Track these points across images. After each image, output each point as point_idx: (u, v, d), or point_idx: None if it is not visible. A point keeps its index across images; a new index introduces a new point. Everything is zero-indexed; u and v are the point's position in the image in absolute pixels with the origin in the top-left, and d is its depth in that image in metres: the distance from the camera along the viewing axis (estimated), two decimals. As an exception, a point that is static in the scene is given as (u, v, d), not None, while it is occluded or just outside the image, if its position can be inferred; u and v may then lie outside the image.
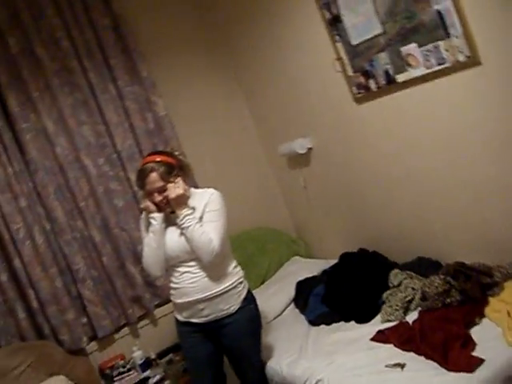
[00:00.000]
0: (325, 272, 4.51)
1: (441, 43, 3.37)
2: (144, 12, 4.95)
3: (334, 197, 4.75)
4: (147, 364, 4.48)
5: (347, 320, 3.89)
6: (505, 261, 3.54)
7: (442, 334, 3.15)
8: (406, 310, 3.64)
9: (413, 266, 3.99)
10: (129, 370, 4.40)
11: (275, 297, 4.50)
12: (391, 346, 3.32)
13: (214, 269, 3.44)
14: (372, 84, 3.94)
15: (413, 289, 3.71)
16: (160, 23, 5.03)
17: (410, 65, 3.61)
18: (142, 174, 3.38)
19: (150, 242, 3.51)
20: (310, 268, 4.73)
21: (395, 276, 3.92)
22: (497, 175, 3.46)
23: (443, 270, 3.66)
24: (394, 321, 3.58)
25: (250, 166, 5.33)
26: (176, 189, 3.35)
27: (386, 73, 3.78)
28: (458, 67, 3.36)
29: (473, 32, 3.19)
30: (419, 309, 3.57)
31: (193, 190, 3.56)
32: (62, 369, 4.25)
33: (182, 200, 3.38)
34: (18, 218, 4.31)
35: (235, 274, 3.56)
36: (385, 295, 3.83)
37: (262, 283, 4.91)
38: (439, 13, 3.29)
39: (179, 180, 3.40)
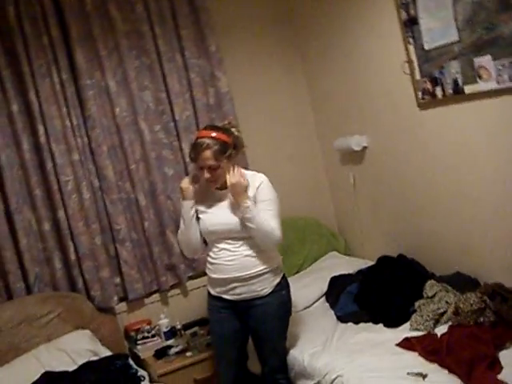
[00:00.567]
0: (360, 272, 4.49)
1: (518, 59, 3.28)
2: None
3: (381, 199, 4.71)
4: (172, 333, 4.52)
5: (376, 322, 3.87)
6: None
7: (470, 352, 3.11)
8: (436, 322, 3.61)
9: (450, 279, 3.94)
10: (153, 335, 4.44)
11: (308, 288, 4.49)
12: (416, 354, 3.30)
13: (254, 250, 3.46)
14: (438, 91, 3.87)
15: (447, 302, 3.67)
16: (232, 1, 5.03)
17: (480, 77, 3.53)
18: (196, 149, 3.40)
19: (181, 227, 3.59)
20: (346, 265, 4.71)
21: (431, 287, 3.88)
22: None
23: (481, 289, 3.61)
24: (422, 331, 3.56)
25: (302, 154, 5.31)
26: (238, 177, 3.39)
27: (455, 82, 3.72)
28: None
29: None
30: (450, 323, 3.53)
31: (242, 171, 3.56)
32: (89, 324, 4.33)
33: (242, 188, 3.40)
34: (69, 170, 4.39)
35: (273, 258, 3.57)
36: (417, 304, 3.79)
37: (297, 273, 4.92)
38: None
39: (238, 168, 3.45)
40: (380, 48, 4.27)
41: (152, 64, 4.67)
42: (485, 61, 3.46)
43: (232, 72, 4.94)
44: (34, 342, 4.18)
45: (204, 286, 4.58)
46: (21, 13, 4.26)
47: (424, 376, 3.07)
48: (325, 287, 4.45)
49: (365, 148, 4.70)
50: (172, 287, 4.79)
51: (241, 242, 3.45)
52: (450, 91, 3.78)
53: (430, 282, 3.93)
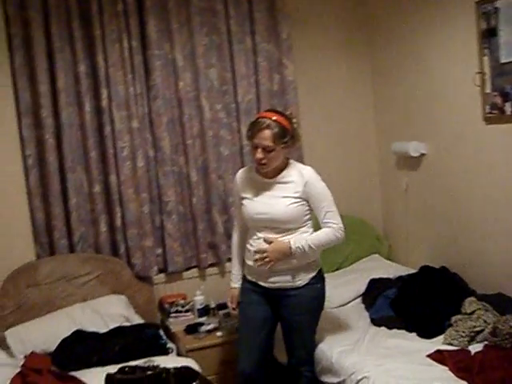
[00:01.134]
0: (401, 278, 4.44)
1: None
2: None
3: (432, 209, 4.65)
4: (205, 311, 4.54)
5: (409, 330, 3.82)
6: None
7: (502, 374, 3.06)
8: (471, 340, 3.54)
9: (491, 299, 3.86)
10: (186, 310, 4.46)
11: (346, 286, 4.47)
12: (446, 368, 3.24)
13: None
14: (508, 107, 3.76)
15: (485, 321, 3.60)
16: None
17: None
18: (256, 127, 3.36)
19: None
20: (387, 269, 4.67)
21: (470, 304, 3.82)
22: None
23: (523, 313, 3.55)
24: (455, 346, 3.50)
25: (358, 152, 5.28)
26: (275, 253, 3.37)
27: (527, 100, 3.63)
28: None
29: None
30: (485, 343, 3.46)
31: (292, 161, 3.55)
32: (125, 290, 4.38)
33: (281, 254, 3.38)
34: (127, 137, 4.44)
35: (312, 255, 3.51)
36: (454, 318, 3.73)
37: (337, 270, 4.90)
38: None
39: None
40: (453, 57, 4.20)
41: (221, 43, 4.69)
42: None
43: (298, 61, 4.93)
44: (69, 300, 4.26)
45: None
46: (98, -22, 4.34)
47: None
48: (363, 288, 4.42)
49: (422, 155, 4.64)
50: (211, 265, 4.81)
51: (281, 234, 3.42)
52: (521, 109, 3.70)
53: (469, 299, 3.87)
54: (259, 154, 3.35)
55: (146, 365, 3.24)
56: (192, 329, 4.35)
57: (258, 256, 3.39)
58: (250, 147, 3.49)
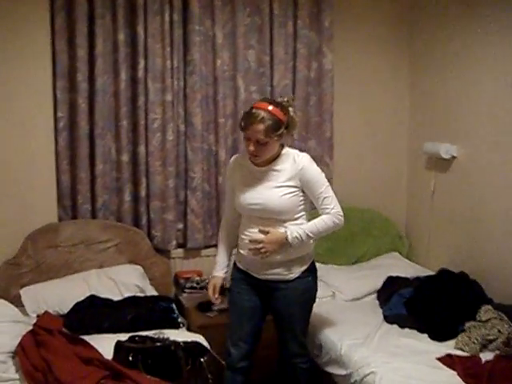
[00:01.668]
0: (418, 278, 4.41)
1: None
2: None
3: (457, 212, 4.61)
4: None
5: (421, 331, 3.80)
6: None
7: (511, 384, 3.05)
8: (483, 348, 3.51)
9: (508, 310, 3.82)
10: (201, 288, 4.46)
11: (362, 280, 4.47)
12: (454, 373, 3.21)
13: None
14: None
15: (499, 331, 3.57)
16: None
17: None
18: (249, 119, 3.22)
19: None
20: (405, 268, 4.65)
21: (486, 312, 3.79)
22: None
23: (537, 326, 3.52)
24: (466, 352, 3.47)
25: (388, 148, 5.25)
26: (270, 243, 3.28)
27: None
28: None
29: None
30: (497, 352, 3.44)
31: (286, 149, 3.41)
32: (142, 261, 4.41)
33: (277, 247, 3.29)
34: (159, 109, 4.46)
35: (306, 246, 3.43)
36: (468, 324, 3.70)
37: (355, 263, 4.90)
38: None
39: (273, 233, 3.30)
40: (495, 60, 4.15)
41: (262, 25, 4.68)
42: None
43: (337, 51, 4.91)
44: (86, 265, 4.30)
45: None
46: None
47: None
48: (379, 284, 4.40)
49: (453, 158, 4.59)
50: (231, 246, 4.81)
51: (275, 225, 3.32)
52: None
53: (485, 307, 3.83)
54: (252, 147, 3.23)
55: (156, 336, 3.26)
56: (204, 306, 4.34)
57: (253, 246, 3.30)
58: (243, 137, 3.36)
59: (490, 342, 3.54)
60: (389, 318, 3.99)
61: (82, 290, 3.99)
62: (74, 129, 4.37)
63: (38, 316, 3.65)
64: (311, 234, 3.33)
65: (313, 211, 3.49)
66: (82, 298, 3.92)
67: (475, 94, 4.35)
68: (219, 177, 4.66)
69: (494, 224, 4.22)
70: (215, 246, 4.63)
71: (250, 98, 4.70)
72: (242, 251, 3.47)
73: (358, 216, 5.00)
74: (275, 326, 3.62)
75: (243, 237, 3.42)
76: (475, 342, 3.52)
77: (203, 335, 3.69)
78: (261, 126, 3.16)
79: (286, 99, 3.40)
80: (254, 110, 3.23)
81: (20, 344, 3.04)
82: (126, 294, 4.04)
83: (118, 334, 3.42)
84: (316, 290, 3.59)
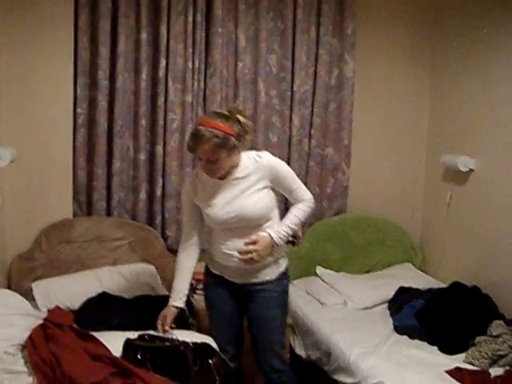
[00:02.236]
0: (430, 290, 4.39)
1: None
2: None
3: (472, 226, 4.57)
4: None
5: (431, 343, 3.76)
6: None
7: (519, 400, 3.02)
8: (493, 363, 3.47)
9: (519, 326, 3.83)
10: (212, 289, 4.46)
11: (373, 290, 4.44)
12: (462, 386, 3.22)
13: None
14: None
15: (510, 346, 3.54)
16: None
17: None
18: (194, 140, 3.10)
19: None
20: (417, 280, 4.62)
21: (497, 327, 3.75)
22: None
23: (548, 343, 3.49)
24: (476, 366, 3.43)
25: (406, 159, 5.22)
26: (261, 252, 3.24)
27: None
28: None
29: None
30: (507, 368, 3.40)
31: (244, 153, 3.32)
32: (155, 260, 4.41)
33: (269, 250, 3.28)
34: (178, 110, 4.47)
35: (282, 248, 3.40)
36: (478, 339, 3.67)
37: (367, 272, 4.89)
38: None
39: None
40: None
41: (285, 30, 4.68)
42: None
43: (359, 59, 4.91)
44: (99, 262, 4.32)
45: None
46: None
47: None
48: (390, 294, 4.37)
49: (471, 171, 4.56)
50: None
51: (253, 231, 3.27)
52: None
53: (497, 322, 3.80)
54: (204, 166, 3.19)
55: (166, 336, 3.26)
56: (215, 308, 4.35)
57: (244, 256, 3.23)
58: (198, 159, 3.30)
59: (501, 357, 3.49)
60: (399, 329, 3.96)
61: (93, 287, 4.00)
62: (93, 126, 4.40)
63: (48, 310, 3.66)
64: (295, 226, 3.33)
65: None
66: (94, 295, 3.93)
67: (496, 108, 4.32)
68: (235, 179, 4.64)
69: (509, 239, 4.18)
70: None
71: (270, 102, 4.72)
72: (219, 260, 3.42)
73: (373, 225, 4.99)
74: (251, 337, 3.56)
75: (222, 247, 3.35)
76: (485, 356, 3.48)
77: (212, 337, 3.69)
78: (206, 146, 3.07)
79: (229, 109, 3.25)
80: (198, 129, 3.10)
81: (30, 337, 3.05)
82: (138, 293, 4.04)
83: (127, 332, 3.41)
84: (288, 297, 3.56)
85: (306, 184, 4.72)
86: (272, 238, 3.25)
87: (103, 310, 3.77)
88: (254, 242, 3.23)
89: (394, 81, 5.11)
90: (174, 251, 4.53)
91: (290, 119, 4.76)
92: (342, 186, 4.98)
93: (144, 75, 4.42)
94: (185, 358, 3.00)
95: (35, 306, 3.80)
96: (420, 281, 4.62)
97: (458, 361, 3.50)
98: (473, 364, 3.45)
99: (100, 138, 4.39)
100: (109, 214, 4.51)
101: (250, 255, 3.22)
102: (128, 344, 3.11)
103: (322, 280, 4.66)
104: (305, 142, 4.83)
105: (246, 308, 3.48)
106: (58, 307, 3.60)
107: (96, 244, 4.34)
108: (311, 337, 4.09)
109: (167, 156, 4.49)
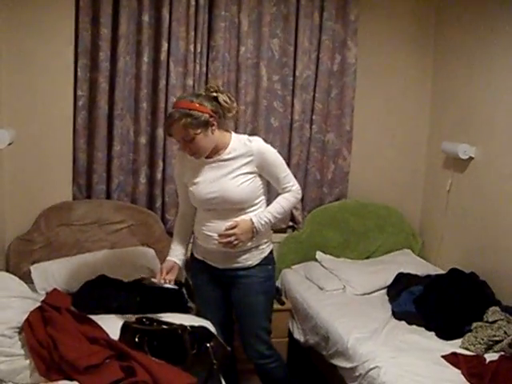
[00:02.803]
0: (429, 276, 4.41)
1: None
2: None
3: (471, 213, 4.57)
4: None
5: (428, 329, 3.79)
6: None
7: (513, 385, 3.03)
8: (489, 348, 3.50)
9: (516, 312, 3.84)
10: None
11: (373, 276, 4.46)
12: (458, 371, 3.21)
13: None
14: None
15: (505, 332, 3.56)
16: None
17: None
18: (168, 121, 3.19)
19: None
20: (416, 266, 4.64)
21: (493, 313, 3.78)
22: None
23: (544, 330, 3.51)
24: (471, 351, 3.46)
25: (406, 146, 5.22)
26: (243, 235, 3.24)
27: None
28: None
29: None
30: (501, 353, 3.43)
31: (234, 135, 3.34)
32: (154, 244, 4.41)
33: (249, 235, 3.27)
34: (180, 93, 4.42)
35: (264, 234, 3.39)
36: (475, 325, 3.70)
37: (367, 258, 4.92)
38: None
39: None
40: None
41: (288, 15, 4.65)
42: None
43: (361, 45, 4.89)
44: (98, 245, 4.32)
45: (277, 242, 4.65)
46: None
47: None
48: (389, 280, 4.39)
49: (471, 158, 4.56)
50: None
51: (236, 214, 3.27)
52: None
53: (493, 308, 3.83)
54: (183, 147, 3.22)
55: (163, 319, 3.26)
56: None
57: (224, 239, 3.23)
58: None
59: (496, 342, 3.54)
60: (397, 314, 3.98)
61: (92, 270, 4.00)
62: (94, 108, 4.38)
63: (47, 293, 3.66)
64: (278, 215, 3.32)
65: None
66: (93, 278, 3.93)
67: (497, 97, 4.31)
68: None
69: (508, 227, 4.19)
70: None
71: (272, 87, 4.71)
72: (200, 243, 3.43)
73: (373, 211, 5.02)
74: (237, 324, 3.58)
75: (203, 229, 3.35)
76: (481, 342, 3.52)
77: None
78: (176, 126, 3.11)
79: (206, 88, 3.30)
80: (170, 112, 3.18)
81: (27, 320, 3.04)
82: (136, 276, 4.01)
83: (125, 315, 3.42)
84: (275, 282, 3.59)
85: (306, 169, 4.77)
86: (253, 222, 3.25)
87: (102, 294, 3.76)
88: (235, 226, 3.23)
89: (396, 68, 5.09)
90: (172, 235, 4.54)
91: (292, 104, 4.75)
92: (343, 172, 4.98)
93: (145, 58, 4.39)
94: (182, 341, 3.00)
95: (33, 289, 3.78)
96: (419, 267, 4.64)
97: (455, 346, 3.54)
98: (469, 349, 3.49)
99: (100, 121, 4.36)
100: (108, 197, 4.50)
101: (228, 238, 3.22)
102: (126, 327, 3.11)
103: (322, 265, 4.68)
104: (306, 128, 4.81)
105: (229, 294, 3.48)
106: (55, 289, 3.58)
107: (95, 227, 4.34)
108: (310, 322, 4.12)
109: (168, 139, 4.46)
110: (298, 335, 4.26)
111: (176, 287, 3.43)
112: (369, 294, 4.34)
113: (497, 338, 3.53)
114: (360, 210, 4.99)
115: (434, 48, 5.11)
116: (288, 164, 4.62)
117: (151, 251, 4.33)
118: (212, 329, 3.29)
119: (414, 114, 5.20)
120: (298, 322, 4.31)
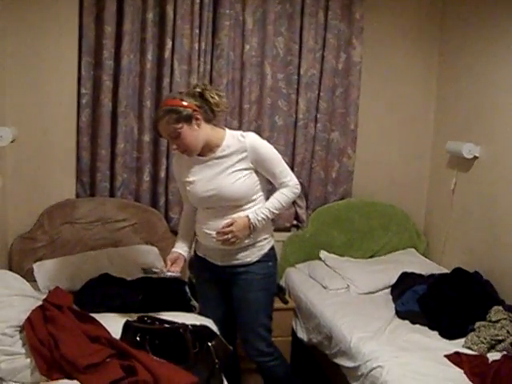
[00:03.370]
0: (432, 276, 4.40)
1: None
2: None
3: (476, 213, 4.56)
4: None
5: (432, 328, 3.78)
6: None
7: (516, 385, 3.01)
8: (491, 348, 3.49)
9: (518, 312, 3.82)
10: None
11: (377, 274, 4.46)
12: (461, 371, 3.20)
13: None
14: None
15: (508, 332, 3.56)
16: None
17: None
18: (153, 123, 3.29)
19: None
20: (420, 265, 4.63)
21: (496, 312, 3.77)
22: None
23: (547, 330, 3.50)
24: (474, 351, 3.45)
25: (411, 145, 5.21)
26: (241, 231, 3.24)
27: None
28: None
29: None
30: (504, 353, 3.42)
31: (228, 131, 3.32)
32: (158, 242, 4.41)
33: (247, 232, 3.27)
34: (182, 90, 4.40)
35: (263, 229, 3.37)
36: (478, 324, 3.68)
37: (371, 257, 4.92)
38: None
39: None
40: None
41: (293, 14, 4.65)
42: None
43: (366, 44, 4.89)
44: (101, 243, 4.32)
45: (282, 241, 4.66)
46: None
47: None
48: (393, 279, 4.38)
49: (475, 158, 4.54)
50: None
51: (234, 211, 3.27)
52: None
53: (496, 308, 3.82)
54: (172, 144, 3.22)
55: (165, 318, 3.25)
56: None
57: (221, 237, 3.24)
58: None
59: (499, 342, 3.53)
60: (401, 314, 3.98)
61: (95, 268, 4.00)
62: (97, 106, 4.38)
63: (49, 292, 3.65)
64: (276, 211, 3.30)
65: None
66: (96, 276, 3.92)
67: (502, 96, 4.29)
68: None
69: (512, 227, 4.18)
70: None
71: (276, 85, 4.71)
72: (201, 241, 3.45)
73: (378, 210, 5.02)
74: (236, 321, 3.55)
75: (203, 227, 3.37)
76: (484, 341, 3.51)
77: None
78: (162, 123, 3.14)
79: (193, 86, 3.32)
80: (155, 112, 3.24)
81: (28, 318, 3.04)
82: (139, 275, 4.00)
83: (128, 314, 3.41)
84: (275, 278, 3.57)
85: (311, 168, 4.75)
86: (249, 219, 3.24)
87: (104, 292, 3.76)
88: (231, 224, 3.23)
89: (401, 67, 5.08)
90: (177, 233, 4.52)
91: (297, 103, 4.74)
92: (348, 171, 4.97)
93: (149, 56, 4.38)
94: (184, 340, 2.99)
95: (36, 287, 3.79)
96: (423, 266, 4.64)
97: (458, 346, 3.53)
98: (471, 349, 3.49)
99: (104, 119, 4.36)
100: (112, 195, 4.50)
101: (225, 236, 3.23)
102: (127, 326, 3.10)
103: (326, 264, 4.67)
104: (311, 126, 4.80)
105: (229, 291, 3.47)
106: (58, 288, 3.57)
107: (99, 225, 4.33)
108: (313, 320, 4.12)
109: (171, 138, 4.46)
110: (302, 334, 4.27)
111: (178, 275, 3.40)
112: (373, 293, 4.34)
113: (500, 338, 3.53)
114: (364, 209, 4.98)
115: (439, 47, 5.10)
116: (292, 162, 4.66)
117: (155, 249, 4.33)
118: (214, 328, 3.28)
119: (419, 113, 5.18)
120: (302, 320, 4.31)
